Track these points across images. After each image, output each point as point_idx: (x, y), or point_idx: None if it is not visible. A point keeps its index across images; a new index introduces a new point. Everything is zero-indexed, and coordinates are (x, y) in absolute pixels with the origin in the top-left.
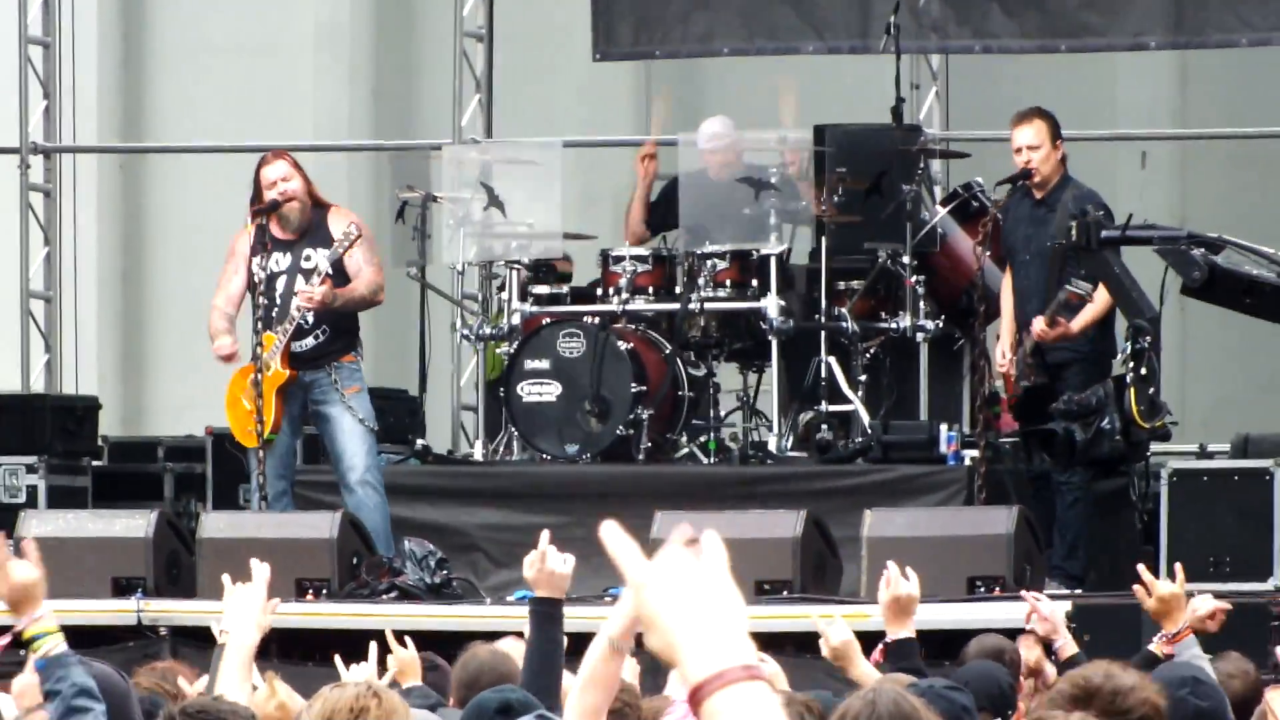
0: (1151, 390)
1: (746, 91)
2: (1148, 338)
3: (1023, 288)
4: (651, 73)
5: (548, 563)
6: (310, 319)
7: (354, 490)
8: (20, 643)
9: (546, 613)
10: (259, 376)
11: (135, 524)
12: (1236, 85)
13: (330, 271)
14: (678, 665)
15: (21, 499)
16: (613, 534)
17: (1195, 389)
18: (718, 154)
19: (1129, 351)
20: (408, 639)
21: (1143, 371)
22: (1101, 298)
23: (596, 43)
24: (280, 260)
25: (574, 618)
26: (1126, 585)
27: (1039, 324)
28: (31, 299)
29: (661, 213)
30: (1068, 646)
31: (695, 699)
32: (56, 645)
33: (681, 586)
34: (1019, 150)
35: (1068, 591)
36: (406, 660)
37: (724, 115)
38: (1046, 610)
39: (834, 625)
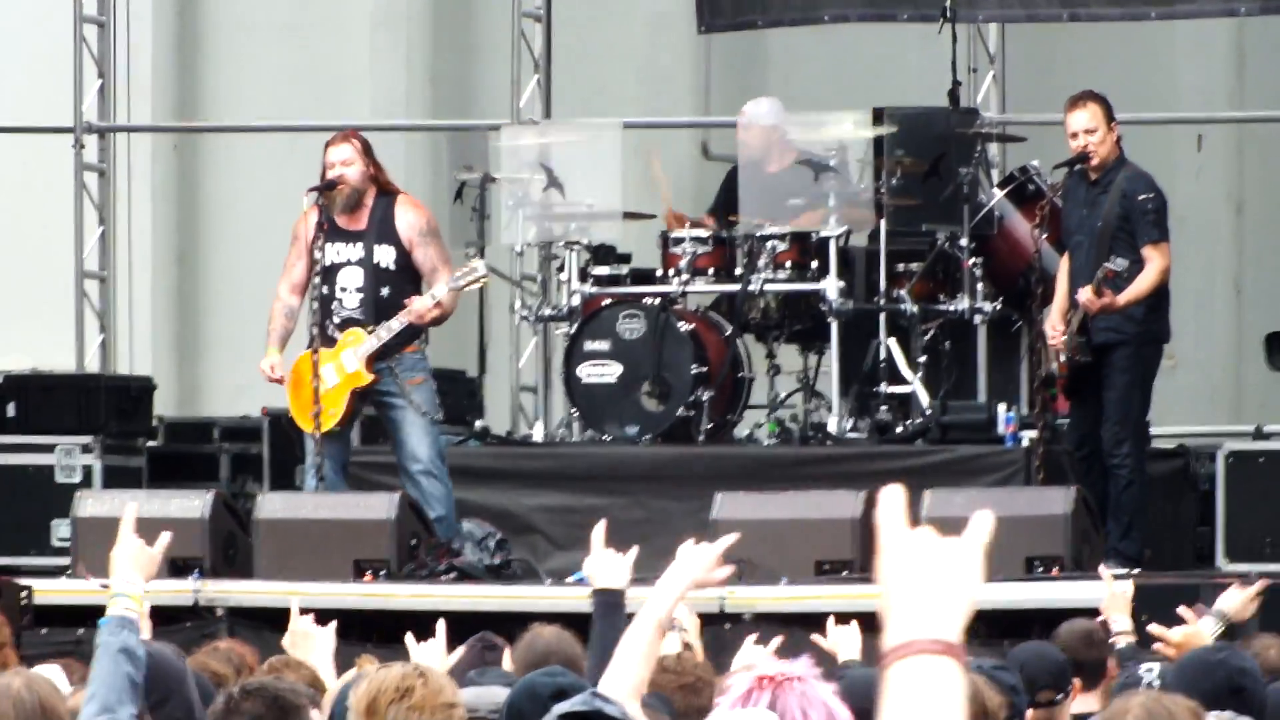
0: None
1: (807, 73)
2: None
3: (1076, 268)
4: (712, 55)
5: (605, 555)
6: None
7: (418, 480)
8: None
9: (610, 602)
10: (316, 360)
11: (191, 505)
12: None
13: (394, 267)
14: (886, 631)
15: (77, 479)
16: (892, 498)
17: (1252, 370)
18: (755, 131)
19: None
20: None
21: None
22: (1146, 279)
23: (701, 16)
24: (343, 251)
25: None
26: (1183, 566)
27: (1085, 293)
28: (86, 279)
29: (723, 200)
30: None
31: (884, 664)
32: (130, 611)
33: (922, 558)
34: (1075, 134)
35: (1125, 572)
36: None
37: (775, 98)
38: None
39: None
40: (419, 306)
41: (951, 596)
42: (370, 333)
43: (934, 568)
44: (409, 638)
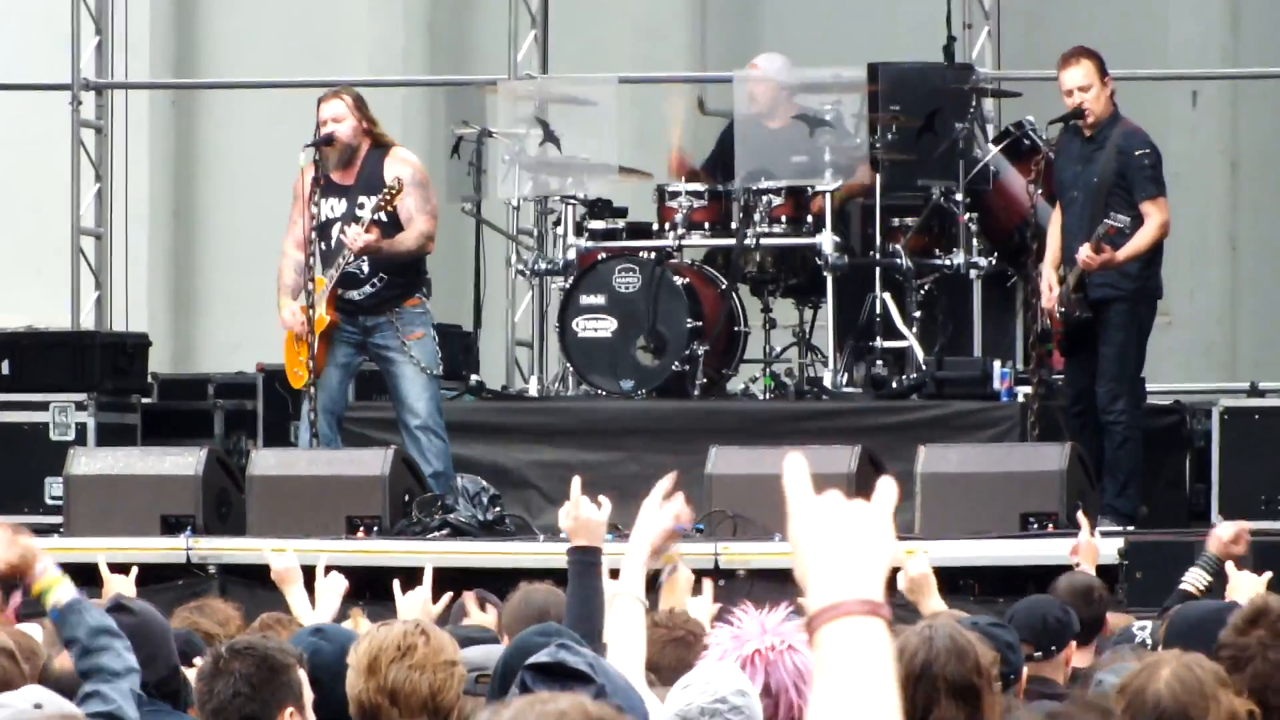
0: None
1: (802, 28)
2: None
3: (1070, 224)
4: (707, 11)
5: (582, 511)
6: (365, 268)
7: (416, 436)
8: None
9: (586, 561)
10: (310, 319)
11: (185, 461)
12: None
13: (384, 219)
14: (807, 596)
15: (71, 436)
16: (795, 466)
17: (1247, 328)
18: (766, 86)
19: None
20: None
21: None
22: (1146, 234)
23: None
24: (335, 206)
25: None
26: (1178, 523)
27: (1085, 251)
28: (82, 236)
29: (720, 159)
30: None
31: (810, 628)
32: (66, 593)
33: (831, 522)
34: (1069, 92)
35: (1120, 529)
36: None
37: (781, 54)
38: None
39: (914, 558)
40: (349, 237)
41: (869, 555)
42: (328, 276)
43: (847, 529)
44: (395, 585)
